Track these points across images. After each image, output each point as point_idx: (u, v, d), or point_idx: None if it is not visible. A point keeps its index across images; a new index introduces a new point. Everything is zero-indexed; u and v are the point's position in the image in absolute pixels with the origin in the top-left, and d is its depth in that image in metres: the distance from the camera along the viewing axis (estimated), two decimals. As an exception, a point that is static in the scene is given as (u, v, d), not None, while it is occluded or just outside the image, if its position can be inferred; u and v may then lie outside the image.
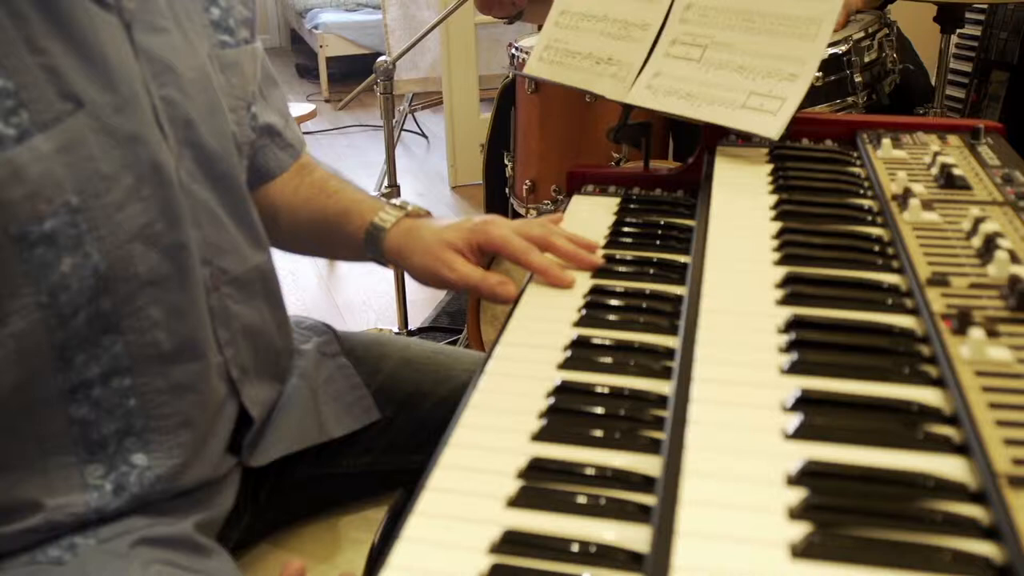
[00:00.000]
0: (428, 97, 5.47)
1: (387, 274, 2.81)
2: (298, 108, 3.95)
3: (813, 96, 2.42)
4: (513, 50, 2.62)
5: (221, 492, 1.02)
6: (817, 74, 2.38)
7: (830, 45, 2.42)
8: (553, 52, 1.47)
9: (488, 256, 1.13)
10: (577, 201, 1.30)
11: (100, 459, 0.91)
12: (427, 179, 4.67)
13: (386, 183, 2.41)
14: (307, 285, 3.54)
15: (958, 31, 3.23)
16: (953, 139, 1.23)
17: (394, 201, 1.20)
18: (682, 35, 1.33)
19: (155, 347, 0.91)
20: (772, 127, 1.18)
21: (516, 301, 1.01)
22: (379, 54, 5.73)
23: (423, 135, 5.26)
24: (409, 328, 2.73)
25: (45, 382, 0.87)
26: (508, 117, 2.93)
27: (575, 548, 0.63)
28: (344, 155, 5.03)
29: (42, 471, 0.89)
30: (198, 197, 0.95)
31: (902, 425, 0.68)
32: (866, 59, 2.47)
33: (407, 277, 1.34)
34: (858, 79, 2.45)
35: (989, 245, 0.88)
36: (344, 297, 3.46)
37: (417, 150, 5.11)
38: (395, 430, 1.22)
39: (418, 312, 3.11)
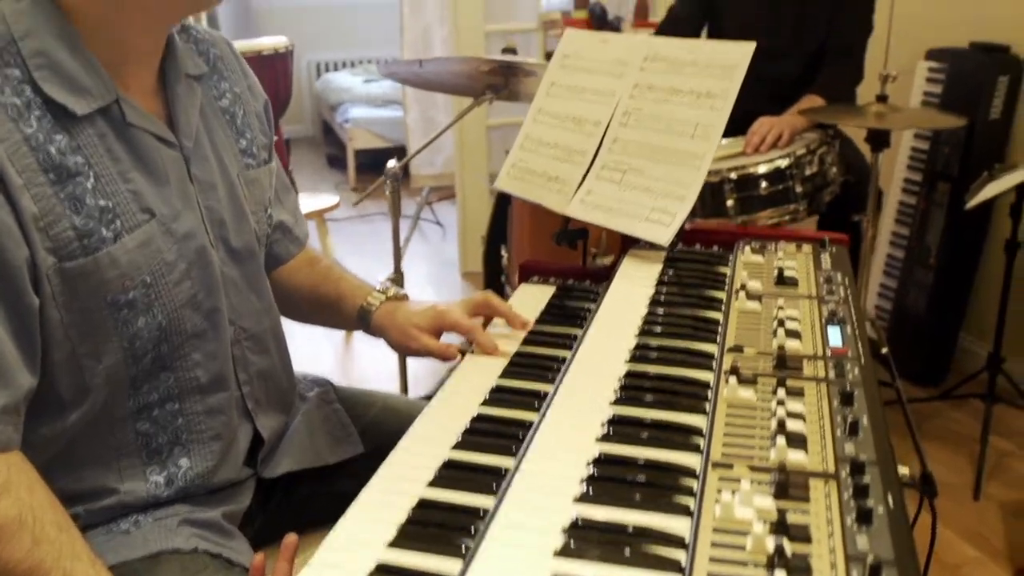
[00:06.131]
0: (444, 191, 5.92)
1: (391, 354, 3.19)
2: (325, 200, 4.46)
3: (760, 202, 2.77)
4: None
5: (241, 492, 1.39)
6: (763, 184, 2.78)
7: (777, 158, 2.81)
8: (517, 170, 1.88)
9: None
10: (523, 288, 1.69)
11: (156, 461, 1.29)
12: (440, 264, 5.11)
13: (392, 271, 2.82)
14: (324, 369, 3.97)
15: (911, 146, 3.63)
16: (806, 247, 1.61)
17: (378, 288, 1.62)
18: (609, 162, 1.72)
19: (196, 381, 1.30)
20: (663, 236, 1.56)
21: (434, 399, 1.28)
22: (402, 147, 6.22)
23: (439, 223, 5.72)
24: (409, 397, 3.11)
25: (122, 404, 1.25)
26: (506, 211, 3.33)
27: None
28: (366, 240, 5.47)
29: (117, 468, 1.27)
30: (228, 276, 1.34)
31: (655, 496, 0.95)
32: (807, 172, 2.82)
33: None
34: (799, 189, 2.79)
35: (781, 324, 1.26)
36: (358, 372, 3.87)
37: (433, 237, 5.56)
38: (376, 461, 1.59)
39: (420, 385, 3.49)
